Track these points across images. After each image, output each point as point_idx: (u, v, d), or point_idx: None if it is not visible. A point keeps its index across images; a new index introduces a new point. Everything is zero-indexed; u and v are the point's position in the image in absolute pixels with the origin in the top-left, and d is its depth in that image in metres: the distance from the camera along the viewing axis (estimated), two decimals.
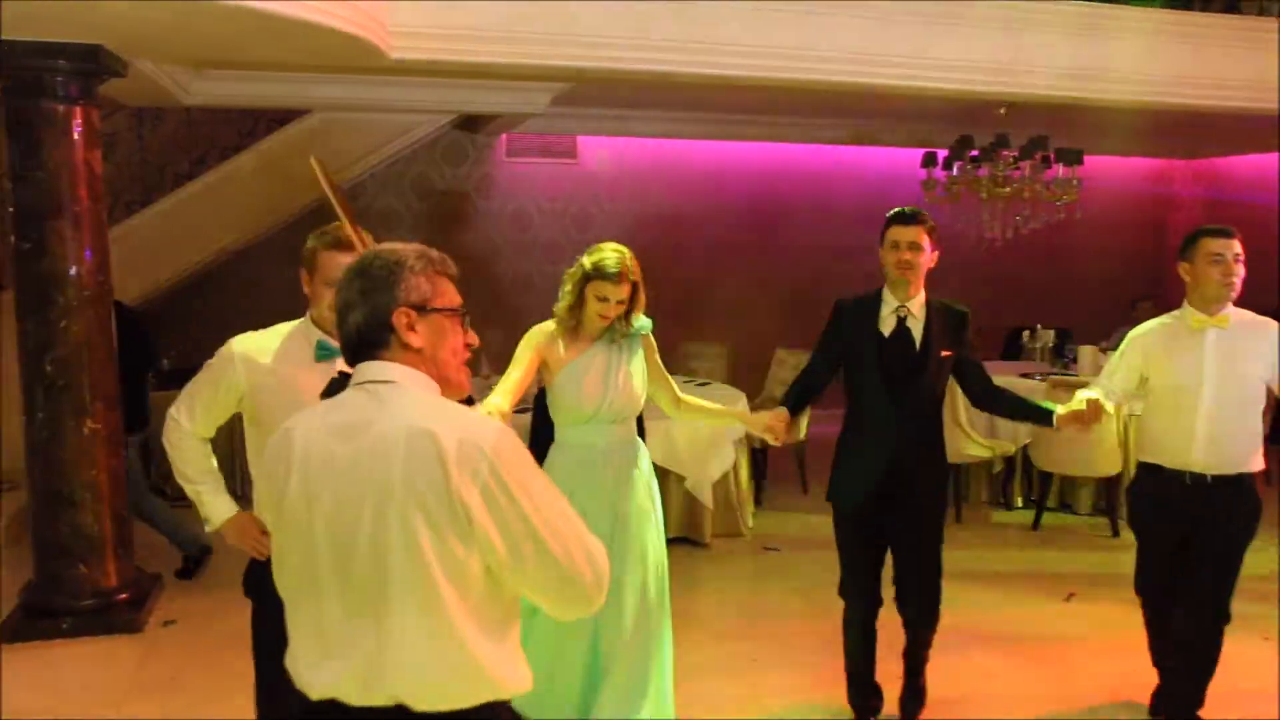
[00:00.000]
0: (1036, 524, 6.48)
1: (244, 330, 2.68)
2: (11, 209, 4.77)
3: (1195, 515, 3.50)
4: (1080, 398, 3.47)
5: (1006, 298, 9.52)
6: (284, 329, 2.66)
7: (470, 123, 8.28)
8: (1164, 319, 3.63)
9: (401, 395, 1.67)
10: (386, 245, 1.79)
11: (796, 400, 3.64)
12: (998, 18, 6.06)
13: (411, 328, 1.70)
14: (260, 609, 2.64)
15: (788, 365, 7.46)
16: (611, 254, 3.23)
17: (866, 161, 9.45)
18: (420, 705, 1.64)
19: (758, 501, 6.78)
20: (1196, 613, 3.54)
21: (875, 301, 3.57)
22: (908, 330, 3.52)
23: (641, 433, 3.45)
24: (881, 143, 9.09)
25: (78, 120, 4.71)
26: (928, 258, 3.49)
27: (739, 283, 9.22)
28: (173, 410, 2.71)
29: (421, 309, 1.71)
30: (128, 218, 6.92)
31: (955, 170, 7.31)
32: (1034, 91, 6.29)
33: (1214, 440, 3.44)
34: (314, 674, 1.68)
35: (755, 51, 5.68)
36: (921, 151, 7.50)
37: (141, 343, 5.41)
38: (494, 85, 6.77)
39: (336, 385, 1.80)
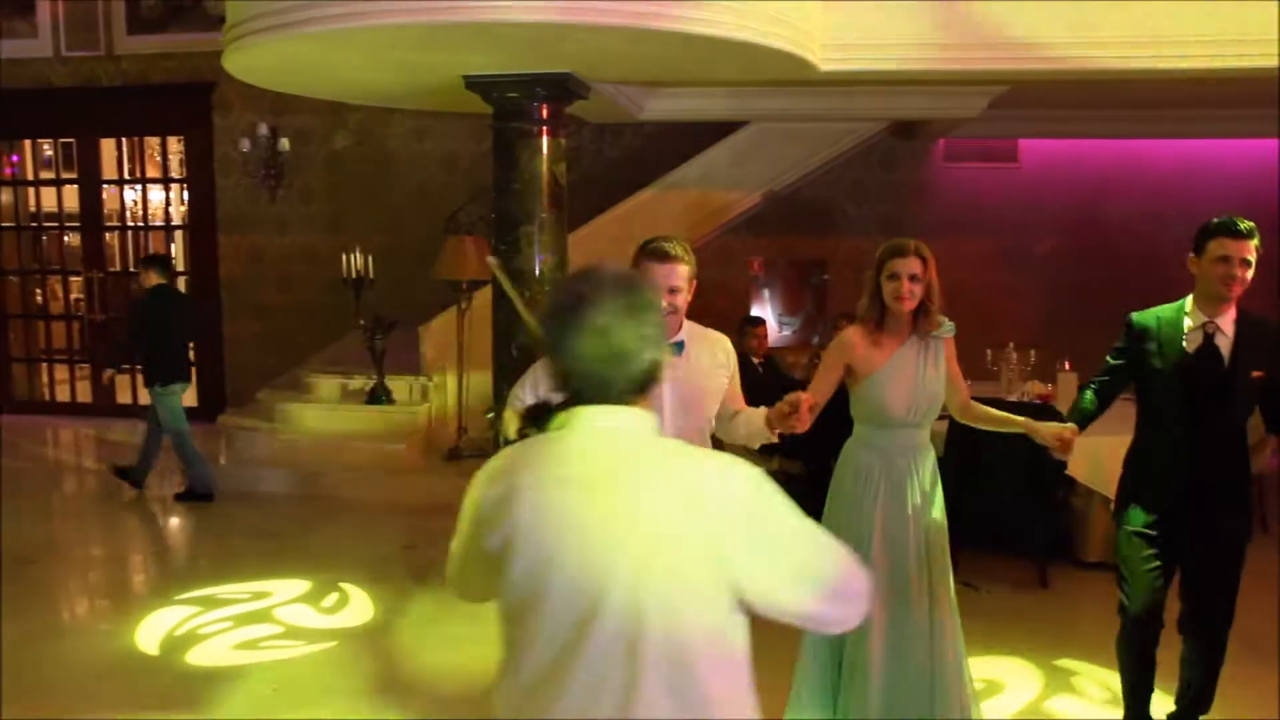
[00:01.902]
0: None
1: None
2: (494, 216, 5.63)
3: None
4: None
5: None
6: None
7: (905, 129, 8.27)
8: None
9: (651, 444, 1.64)
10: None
11: (1091, 416, 3.49)
12: None
13: None
14: None
15: None
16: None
17: None
18: None
19: None
20: None
21: (1178, 315, 3.33)
22: (1215, 348, 3.27)
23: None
24: None
25: (547, 139, 5.43)
26: (1252, 272, 3.24)
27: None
28: (516, 388, 3.01)
29: None
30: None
31: None
32: None
33: None
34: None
35: (1213, 40, 5.17)
36: None
37: (190, 318, 7.08)
38: (928, 91, 6.76)
39: (541, 413, 1.69)
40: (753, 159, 7.64)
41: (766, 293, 8.87)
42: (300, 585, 5.44)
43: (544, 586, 1.54)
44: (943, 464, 5.36)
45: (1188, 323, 3.32)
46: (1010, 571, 5.55)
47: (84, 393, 10.37)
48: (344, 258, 7.78)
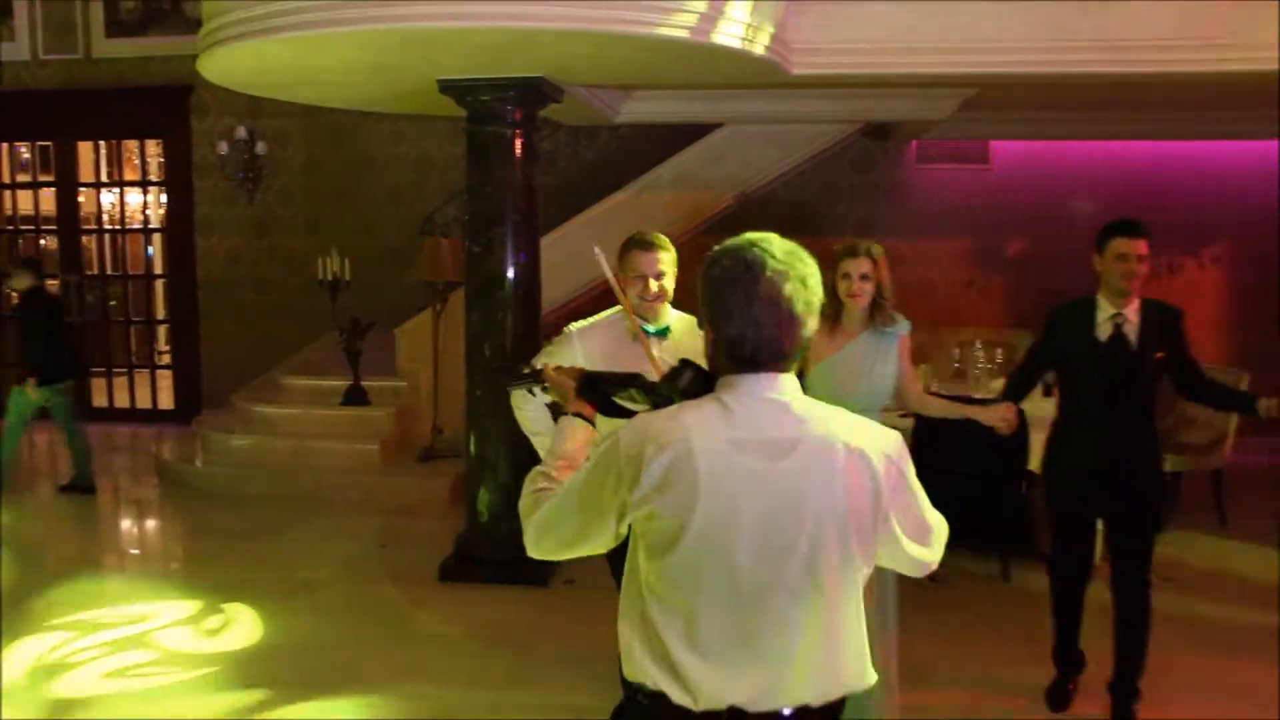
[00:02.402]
0: None
1: None
2: (467, 218, 5.67)
3: None
4: None
5: None
6: (607, 316, 3.26)
7: (878, 130, 8.36)
8: None
9: (815, 409, 1.75)
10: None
11: (1020, 396, 3.94)
12: None
13: None
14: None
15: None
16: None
17: None
18: (819, 702, 1.73)
19: (1162, 528, 6.24)
20: None
21: (1091, 307, 3.76)
22: (1124, 336, 3.71)
23: None
24: None
25: (520, 142, 5.48)
26: (1148, 265, 3.68)
27: (1174, 296, 8.38)
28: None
29: None
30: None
31: None
32: None
33: None
34: (713, 684, 1.69)
35: (1174, 45, 5.27)
36: None
37: (60, 318, 7.20)
38: (897, 93, 6.83)
39: (692, 380, 1.80)
40: (727, 161, 7.71)
41: None
42: (186, 607, 5.23)
43: (727, 544, 1.66)
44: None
45: (1099, 315, 3.76)
46: (973, 565, 5.64)
47: None
48: (320, 260, 7.81)
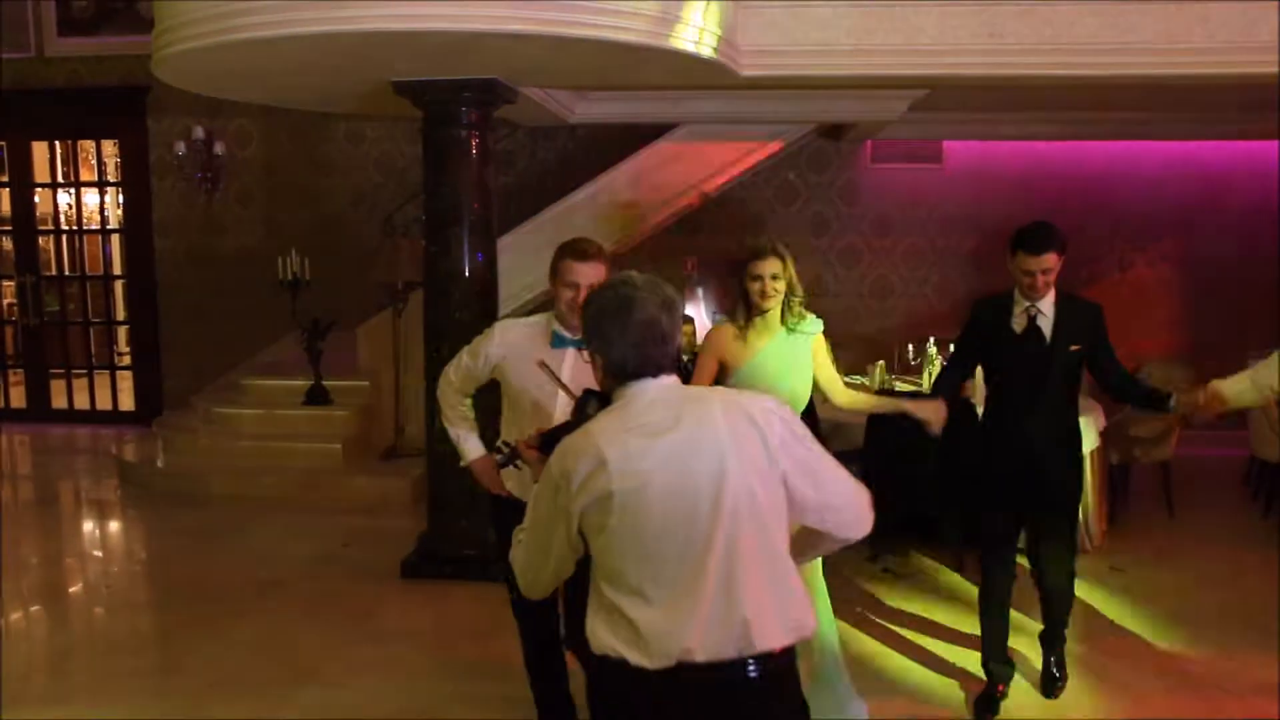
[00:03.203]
0: None
1: None
2: (424, 218, 5.72)
3: None
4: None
5: None
6: (536, 318, 3.33)
7: (832, 130, 8.49)
8: None
9: (697, 390, 2.21)
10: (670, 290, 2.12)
11: (949, 392, 3.99)
12: None
13: None
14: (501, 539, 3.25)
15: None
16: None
17: (1268, 156, 8.48)
18: (773, 645, 1.98)
19: (1111, 519, 6.43)
20: None
21: (1008, 301, 3.80)
22: (1038, 328, 3.75)
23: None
24: None
25: (476, 143, 5.54)
26: (1057, 272, 3.69)
27: (1124, 293, 8.64)
28: (446, 370, 3.46)
29: None
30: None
31: None
32: None
33: None
34: (661, 638, 1.93)
35: (1114, 49, 5.43)
36: None
37: None
38: (849, 95, 6.94)
39: (598, 406, 2.16)
40: (683, 161, 7.80)
41: (700, 291, 9.03)
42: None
43: (645, 512, 1.93)
44: (862, 456, 5.59)
45: (1016, 308, 3.79)
46: (927, 559, 5.78)
47: (18, 398, 10.27)
48: (280, 260, 7.82)
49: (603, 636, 2.00)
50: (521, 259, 6.74)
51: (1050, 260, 3.66)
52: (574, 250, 3.17)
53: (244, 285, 9.38)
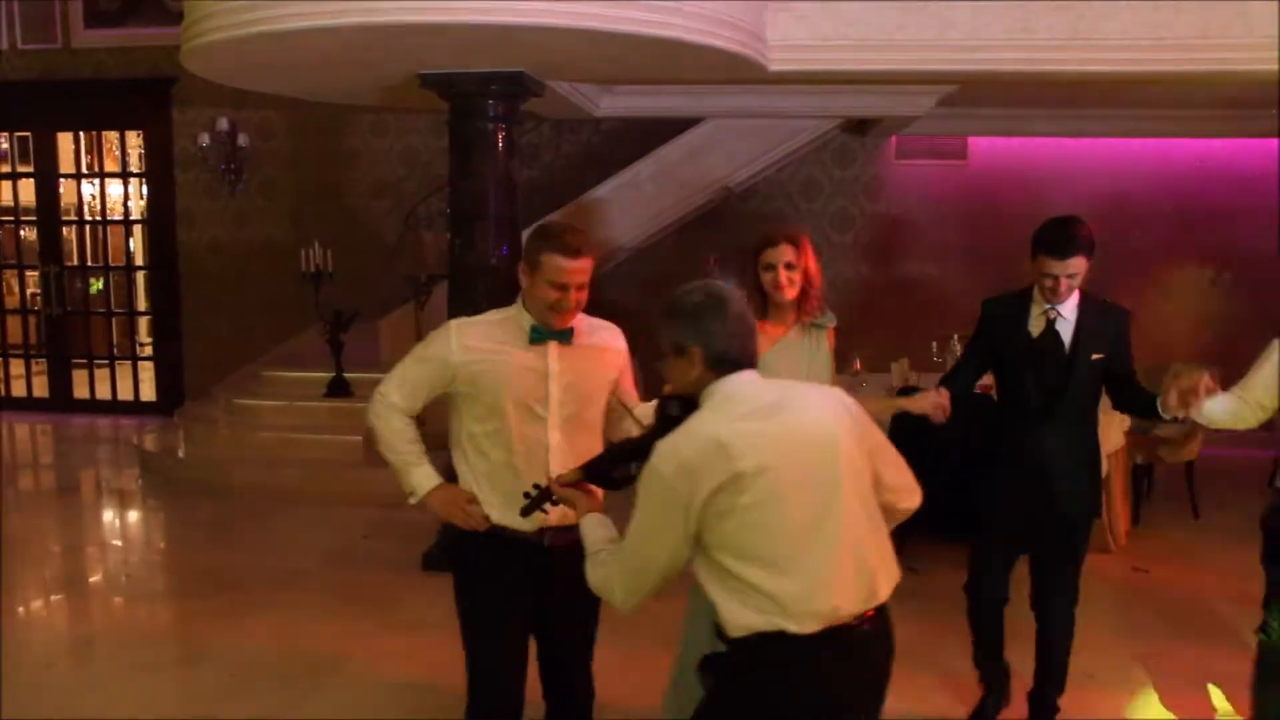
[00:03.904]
0: None
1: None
2: (449, 211, 5.71)
3: None
4: None
5: None
6: (494, 315, 2.85)
7: (858, 126, 8.44)
8: None
9: (782, 379, 2.42)
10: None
11: (956, 390, 3.60)
12: None
13: None
14: (465, 580, 2.88)
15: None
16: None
17: None
18: (887, 594, 2.19)
19: (1135, 520, 6.38)
20: None
21: (1025, 302, 3.49)
22: (1057, 333, 3.43)
23: None
24: None
25: (501, 135, 5.52)
26: (1082, 278, 3.35)
27: (1153, 294, 8.54)
28: (382, 388, 2.95)
29: None
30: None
31: None
32: None
33: None
34: (803, 602, 2.06)
35: (1149, 44, 5.35)
36: None
37: None
38: (876, 90, 6.90)
39: (682, 407, 2.20)
40: (708, 155, 7.78)
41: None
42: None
43: (772, 492, 2.04)
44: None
45: (1034, 309, 3.46)
46: (948, 554, 5.72)
47: (40, 388, 10.34)
48: (303, 252, 7.83)
49: (745, 617, 2.08)
50: None
51: (1075, 265, 3.29)
52: (562, 245, 2.66)
53: (266, 277, 9.41)
